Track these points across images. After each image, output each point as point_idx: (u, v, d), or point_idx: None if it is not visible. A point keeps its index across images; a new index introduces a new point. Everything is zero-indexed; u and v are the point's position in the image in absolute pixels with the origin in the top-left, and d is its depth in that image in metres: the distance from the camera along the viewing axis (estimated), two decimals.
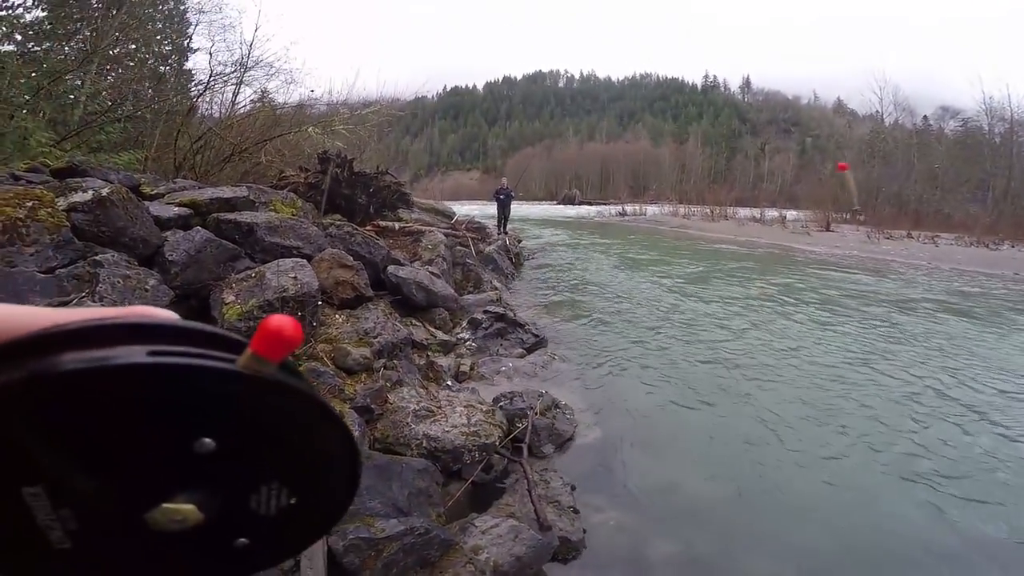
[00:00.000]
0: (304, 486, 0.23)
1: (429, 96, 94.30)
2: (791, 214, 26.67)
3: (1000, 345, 6.61)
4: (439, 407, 2.81)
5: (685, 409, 4.25)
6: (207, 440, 0.20)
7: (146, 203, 3.50)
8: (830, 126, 58.10)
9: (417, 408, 2.78)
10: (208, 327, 0.22)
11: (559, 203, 42.81)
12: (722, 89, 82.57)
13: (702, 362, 5.40)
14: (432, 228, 8.16)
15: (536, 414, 3.38)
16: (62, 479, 0.19)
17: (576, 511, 2.68)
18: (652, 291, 9.00)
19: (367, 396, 2.83)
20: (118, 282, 2.54)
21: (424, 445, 2.64)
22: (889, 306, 8.72)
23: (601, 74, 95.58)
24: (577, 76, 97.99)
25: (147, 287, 2.68)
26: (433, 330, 4.76)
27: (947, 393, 4.75)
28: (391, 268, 4.99)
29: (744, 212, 27.80)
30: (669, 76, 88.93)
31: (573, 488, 2.87)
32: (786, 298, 8.93)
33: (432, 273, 5.64)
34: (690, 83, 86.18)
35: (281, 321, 0.20)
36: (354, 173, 7.21)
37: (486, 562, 2.07)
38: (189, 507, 0.20)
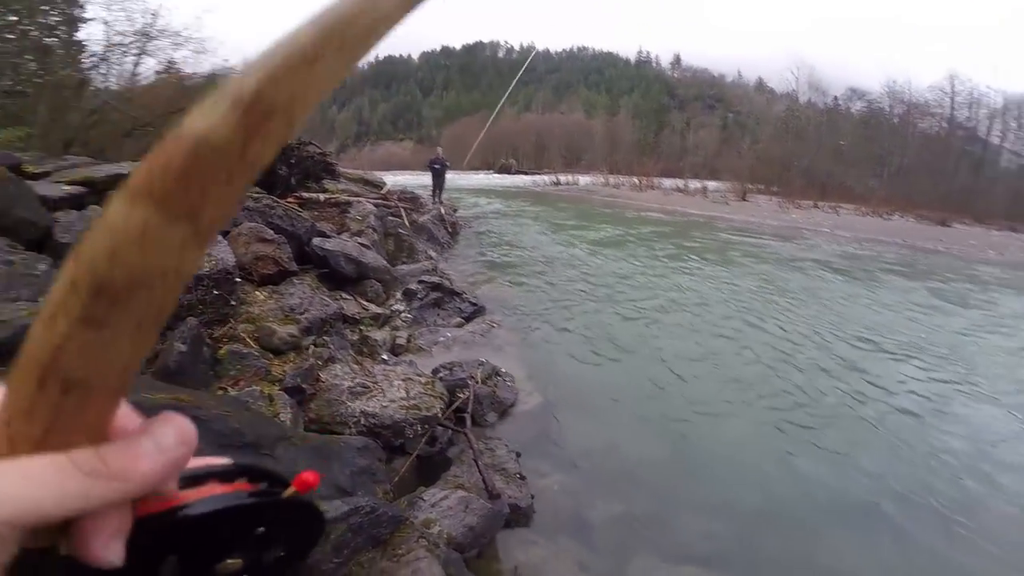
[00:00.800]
0: (293, 544, 0.35)
1: (359, 65, 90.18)
2: (712, 185, 28.29)
3: (872, 301, 7.66)
4: (375, 382, 2.73)
5: (614, 368, 4.53)
6: (260, 528, 0.31)
7: (30, 183, 3.18)
8: (751, 103, 61.84)
9: (352, 385, 2.68)
10: (260, 466, 0.33)
11: (496, 173, 42.47)
12: (654, 65, 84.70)
13: (627, 320, 5.80)
14: (360, 199, 7.83)
15: (477, 383, 3.39)
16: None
17: (523, 477, 2.73)
18: (583, 256, 9.37)
19: (297, 376, 2.69)
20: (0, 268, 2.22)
21: (363, 422, 2.56)
22: (791, 267, 9.78)
23: (540, 46, 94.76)
24: (517, 48, 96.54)
25: (37, 272, 2.37)
26: (365, 303, 4.60)
27: (832, 348, 5.44)
28: (316, 240, 4.74)
29: (669, 183, 29.16)
30: (605, 50, 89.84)
31: (518, 455, 2.91)
32: (702, 261, 9.74)
33: (362, 244, 5.43)
34: (624, 58, 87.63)
35: (311, 476, 0.32)
36: None
37: (439, 535, 2.08)
38: (238, 561, 0.31)
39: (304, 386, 2.68)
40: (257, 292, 3.50)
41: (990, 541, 2.77)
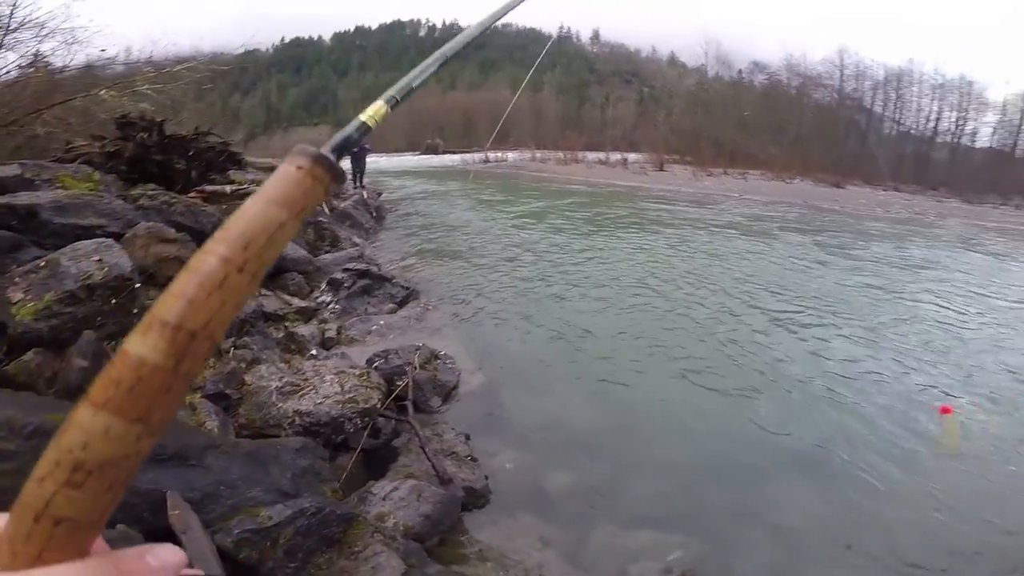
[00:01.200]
0: None
1: (262, 49, 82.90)
2: (632, 157, 29.45)
3: (776, 256, 8.51)
4: (306, 380, 2.64)
5: (549, 339, 4.66)
6: None
7: None
8: (664, 78, 64.44)
9: (280, 385, 2.57)
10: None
11: (422, 153, 41.32)
12: (575, 40, 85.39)
13: (557, 291, 6.00)
14: None
15: (416, 369, 3.36)
16: None
17: (474, 459, 2.73)
18: (512, 231, 9.52)
19: (218, 381, 2.55)
20: None
21: (298, 422, 2.48)
22: (705, 230, 10.58)
23: (464, 23, 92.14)
24: (439, 25, 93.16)
25: None
26: (288, 297, 4.39)
27: (742, 303, 5.94)
28: None
29: (592, 156, 30.04)
30: (528, 26, 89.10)
31: (467, 437, 2.91)
32: (624, 229, 10.33)
33: None
34: (547, 34, 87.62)
35: None
36: (166, 137, 6.14)
37: (395, 527, 2.03)
38: None
39: (228, 391, 2.54)
40: None
41: (891, 476, 3.14)
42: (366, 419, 2.68)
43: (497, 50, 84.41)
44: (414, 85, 0.85)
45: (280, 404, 2.53)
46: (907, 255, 9.88)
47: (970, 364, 4.63)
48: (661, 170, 25.53)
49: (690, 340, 4.78)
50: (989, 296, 7.19)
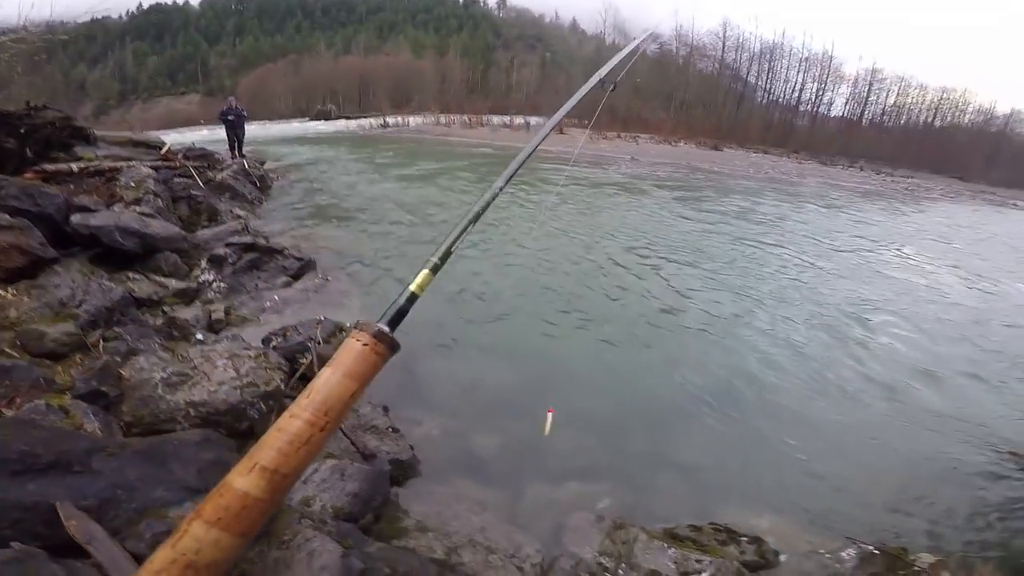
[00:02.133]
0: None
1: (113, 16, 70.23)
2: (534, 120, 29.85)
3: (660, 212, 9.30)
4: (195, 368, 2.43)
5: (455, 300, 4.64)
6: None
7: None
8: (566, 43, 65.08)
9: (166, 376, 2.35)
10: None
11: (312, 119, 38.22)
12: (481, 4, 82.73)
13: (459, 251, 6.02)
14: (133, 162, 6.49)
15: (319, 344, 3.16)
16: None
17: (396, 430, 2.64)
18: (415, 194, 9.32)
19: (90, 379, 2.27)
20: None
21: (193, 414, 2.27)
22: (598, 189, 11.24)
23: None
24: None
25: None
26: (162, 279, 3.94)
27: (627, 255, 6.41)
28: (77, 218, 3.83)
29: (498, 120, 29.98)
30: None
31: (386, 409, 2.81)
32: (523, 189, 10.47)
33: (143, 214, 4.57)
34: None
35: None
36: None
37: (323, 510, 1.94)
38: None
39: (104, 388, 2.28)
40: (6, 292, 2.78)
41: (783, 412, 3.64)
42: (271, 402, 2.55)
43: (397, 12, 79.44)
44: (452, 248, 1.10)
45: (169, 397, 2.32)
46: (767, 210, 11.33)
47: (806, 301, 5.50)
48: (562, 133, 26.10)
49: (581, 292, 5.05)
50: (821, 241, 8.54)
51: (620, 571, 2.05)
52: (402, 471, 2.46)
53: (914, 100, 39.71)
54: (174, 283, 3.99)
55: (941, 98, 39.64)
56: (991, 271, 8.05)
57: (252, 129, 12.36)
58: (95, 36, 61.26)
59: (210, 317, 3.68)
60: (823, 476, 2.95)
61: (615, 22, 45.73)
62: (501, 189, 1.33)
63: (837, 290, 5.95)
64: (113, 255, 3.88)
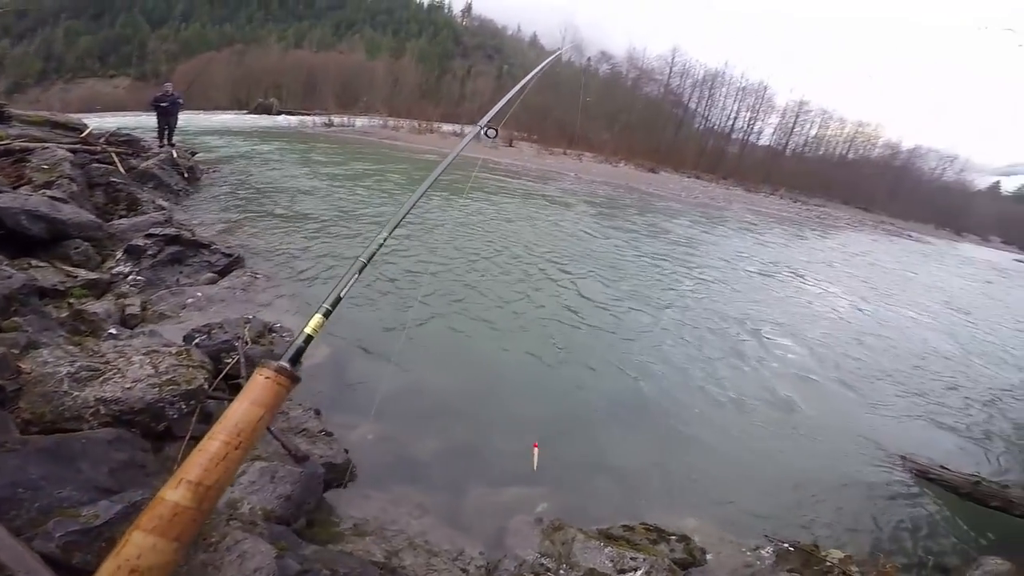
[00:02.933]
0: None
1: None
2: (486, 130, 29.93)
3: (595, 228, 9.69)
4: (107, 362, 2.20)
5: (389, 300, 4.59)
6: None
7: None
8: (524, 57, 66.40)
9: (73, 370, 2.11)
10: None
11: (252, 113, 36.36)
12: (446, 11, 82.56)
13: (394, 254, 5.87)
14: (48, 144, 5.91)
15: (247, 343, 2.99)
16: None
17: (329, 434, 2.56)
18: (350, 194, 9.14)
19: None
20: None
21: (103, 412, 2.05)
22: (541, 202, 11.52)
23: None
24: None
25: None
26: (71, 269, 3.57)
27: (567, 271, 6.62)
28: None
29: (448, 127, 29.81)
30: None
31: (318, 412, 2.71)
32: (464, 196, 10.58)
33: (54, 198, 4.17)
34: (417, 1, 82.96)
35: None
36: None
37: (253, 512, 1.84)
38: None
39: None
40: None
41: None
42: (192, 402, 2.35)
43: (358, 12, 77.66)
44: (341, 295, 1.29)
45: (76, 392, 2.08)
46: (688, 231, 12.05)
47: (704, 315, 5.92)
48: (511, 146, 26.55)
49: (506, 299, 5.15)
50: (730, 261, 9.23)
51: (561, 571, 2.08)
52: (336, 475, 2.37)
53: (833, 133, 43.94)
54: (84, 273, 3.63)
55: (856, 132, 44.16)
56: (872, 294, 8.96)
57: (186, 118, 11.52)
58: (26, 12, 55.34)
59: (124, 312, 3.38)
60: (738, 478, 3.14)
61: (573, 40, 47.15)
62: (385, 240, 1.64)
63: (738, 306, 6.40)
64: (16, 239, 3.49)
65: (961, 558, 2.79)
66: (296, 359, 1.17)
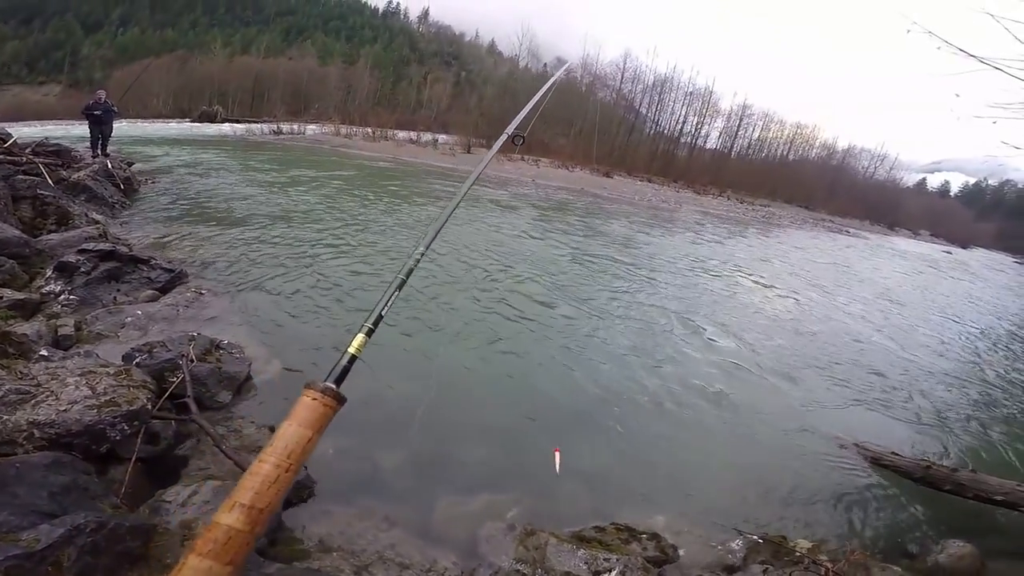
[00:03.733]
0: None
1: None
2: (443, 138, 29.93)
3: (551, 232, 9.90)
4: (38, 385, 2.02)
5: (339, 310, 4.50)
6: None
7: None
8: (482, 63, 66.63)
9: (1, 394, 1.95)
10: None
11: (194, 121, 34.79)
12: (402, 17, 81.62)
13: (344, 263, 5.85)
14: None
15: (192, 361, 2.84)
16: None
17: None
18: (297, 204, 8.91)
19: None
20: None
21: (38, 435, 1.91)
22: (499, 208, 11.62)
23: None
24: None
25: None
26: None
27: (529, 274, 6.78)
28: None
29: (403, 134, 29.55)
30: None
31: (272, 429, 2.54)
32: (418, 202, 10.70)
33: None
34: (372, 6, 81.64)
35: None
36: None
37: None
38: None
39: None
40: None
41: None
42: (135, 423, 2.19)
43: (309, 18, 75.68)
44: (382, 313, 1.31)
45: (6, 417, 1.91)
46: (638, 232, 12.41)
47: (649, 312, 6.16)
48: (468, 152, 26.57)
49: (463, 303, 5.14)
50: (676, 260, 9.57)
51: (537, 575, 2.06)
52: (295, 492, 2.26)
53: (774, 135, 46.37)
54: (10, 293, 3.35)
55: (795, 133, 46.77)
56: (813, 289, 9.44)
57: (122, 127, 10.90)
58: None
59: (56, 332, 3.13)
60: (700, 474, 3.21)
61: (531, 46, 47.72)
62: (422, 255, 1.60)
63: (685, 305, 6.59)
64: None
65: (922, 543, 2.90)
66: (341, 379, 1.19)
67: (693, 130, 43.58)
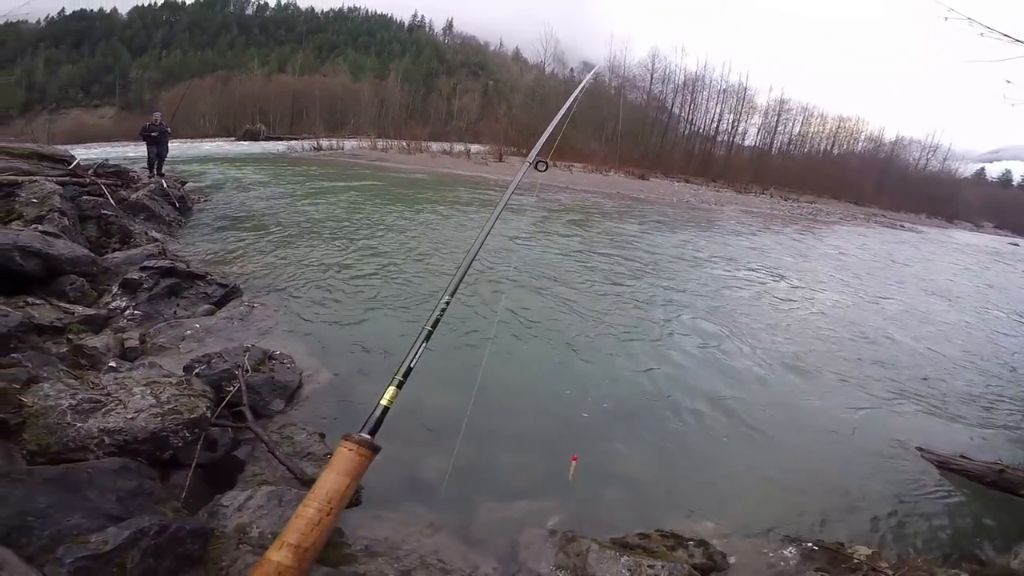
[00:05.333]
0: None
1: (30, 21, 65.03)
2: (474, 148, 30.29)
3: (577, 234, 9.78)
4: (108, 394, 2.19)
5: (388, 322, 4.59)
6: None
7: None
8: (508, 72, 67.30)
9: (75, 403, 2.11)
10: None
11: (239, 140, 36.58)
12: (427, 30, 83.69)
13: (392, 275, 5.96)
14: (36, 177, 5.93)
15: (247, 372, 2.99)
16: None
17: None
18: (344, 219, 9.11)
19: None
20: None
21: (108, 442, 2.06)
22: (530, 214, 11.44)
23: (303, 4, 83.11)
24: (272, 4, 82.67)
25: None
26: (67, 305, 3.56)
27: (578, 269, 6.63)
28: None
29: (436, 146, 30.07)
30: (378, 12, 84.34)
31: (322, 436, 2.69)
32: (459, 210, 10.73)
33: (46, 233, 4.19)
34: (398, 20, 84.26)
35: None
36: None
37: (262, 536, 1.85)
38: None
39: (1, 415, 2.02)
40: None
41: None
42: (196, 430, 2.33)
43: (339, 35, 78.74)
44: (412, 365, 1.45)
45: (79, 424, 2.07)
46: (685, 237, 12.00)
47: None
48: (500, 161, 26.76)
49: (510, 310, 5.13)
50: (728, 263, 9.27)
51: None
52: (357, 482, 2.35)
53: (816, 129, 44.42)
54: (81, 309, 3.62)
55: (838, 127, 44.68)
56: (862, 285, 8.98)
57: (173, 147, 11.60)
58: (4, 41, 55.87)
59: (123, 345, 3.36)
60: (753, 480, 3.10)
61: (555, 52, 47.73)
62: (448, 304, 1.59)
63: (739, 308, 6.40)
64: (10, 277, 3.49)
65: (996, 548, 2.73)
66: (375, 429, 1.33)
67: (730, 128, 42.34)
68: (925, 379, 5.01)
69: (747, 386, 4.26)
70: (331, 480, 1.17)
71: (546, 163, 2.37)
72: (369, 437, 1.27)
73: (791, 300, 7.30)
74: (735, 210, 21.33)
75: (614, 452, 3.13)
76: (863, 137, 45.96)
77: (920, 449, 3.59)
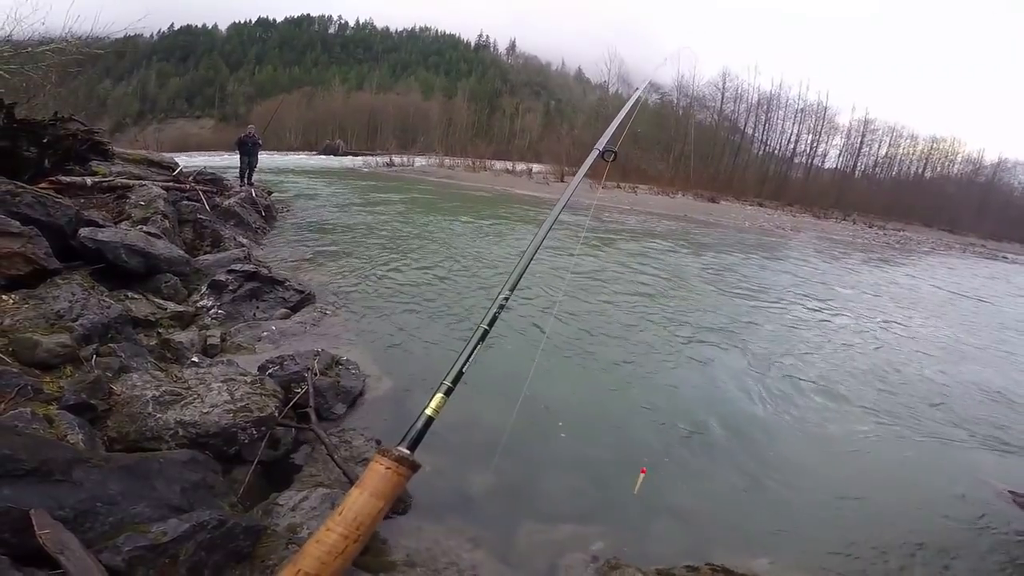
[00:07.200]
0: None
1: (145, 35, 74.54)
2: (536, 167, 30.65)
3: (657, 258, 9.42)
4: (188, 388, 2.38)
5: (454, 336, 4.62)
6: None
7: None
8: (570, 92, 67.97)
9: (158, 394, 2.30)
10: None
11: (320, 153, 39.28)
12: (491, 49, 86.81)
13: (456, 286, 6.08)
14: (145, 182, 6.63)
15: (316, 375, 3.15)
16: None
17: None
18: (415, 233, 9.44)
19: (80, 391, 2.22)
20: None
21: (181, 434, 2.22)
22: (588, 236, 11.29)
23: (379, 23, 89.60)
24: (352, 23, 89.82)
25: None
26: (161, 301, 3.93)
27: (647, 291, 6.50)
28: (85, 231, 3.91)
29: (499, 164, 30.76)
30: (447, 32, 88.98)
31: (379, 442, 2.75)
32: (521, 230, 10.68)
33: (149, 233, 4.64)
34: (465, 40, 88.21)
35: None
36: (16, 121, 5.33)
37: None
38: None
39: (93, 402, 2.23)
40: (6, 298, 2.77)
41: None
42: (262, 428, 2.47)
43: (411, 53, 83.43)
44: (463, 369, 1.27)
45: (159, 415, 2.25)
46: (763, 264, 11.42)
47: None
48: (561, 181, 26.82)
49: (576, 334, 5.05)
50: (787, 288, 8.68)
51: None
52: (392, 504, 2.38)
53: (905, 151, 40.76)
54: (172, 306, 3.98)
55: (931, 148, 40.68)
56: (950, 323, 8.00)
57: (261, 159, 12.68)
58: (124, 53, 63.76)
59: (205, 342, 3.65)
60: (819, 516, 2.89)
61: (619, 72, 47.49)
62: (507, 299, 1.39)
63: (814, 342, 5.96)
64: (115, 272, 3.90)
65: None
66: (416, 443, 1.14)
67: (808, 149, 39.94)
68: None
69: (810, 420, 3.99)
70: (361, 502, 1.02)
71: (614, 153, 2.17)
72: (408, 452, 1.11)
73: (869, 334, 6.68)
74: (813, 237, 19.97)
75: (665, 480, 3.01)
76: (959, 159, 41.72)
77: (1012, 492, 3.22)
